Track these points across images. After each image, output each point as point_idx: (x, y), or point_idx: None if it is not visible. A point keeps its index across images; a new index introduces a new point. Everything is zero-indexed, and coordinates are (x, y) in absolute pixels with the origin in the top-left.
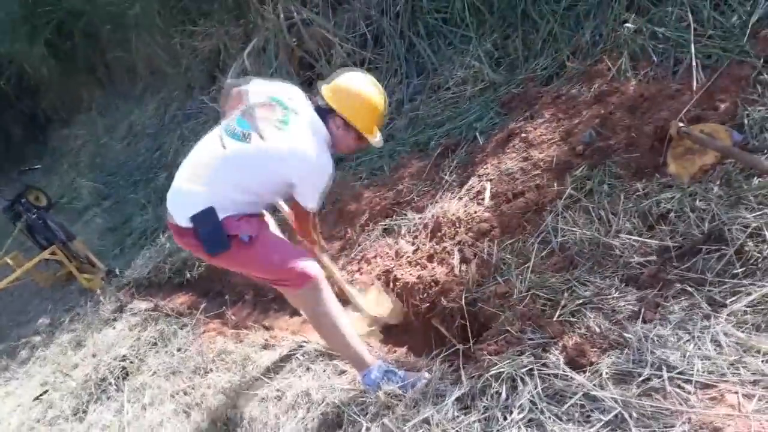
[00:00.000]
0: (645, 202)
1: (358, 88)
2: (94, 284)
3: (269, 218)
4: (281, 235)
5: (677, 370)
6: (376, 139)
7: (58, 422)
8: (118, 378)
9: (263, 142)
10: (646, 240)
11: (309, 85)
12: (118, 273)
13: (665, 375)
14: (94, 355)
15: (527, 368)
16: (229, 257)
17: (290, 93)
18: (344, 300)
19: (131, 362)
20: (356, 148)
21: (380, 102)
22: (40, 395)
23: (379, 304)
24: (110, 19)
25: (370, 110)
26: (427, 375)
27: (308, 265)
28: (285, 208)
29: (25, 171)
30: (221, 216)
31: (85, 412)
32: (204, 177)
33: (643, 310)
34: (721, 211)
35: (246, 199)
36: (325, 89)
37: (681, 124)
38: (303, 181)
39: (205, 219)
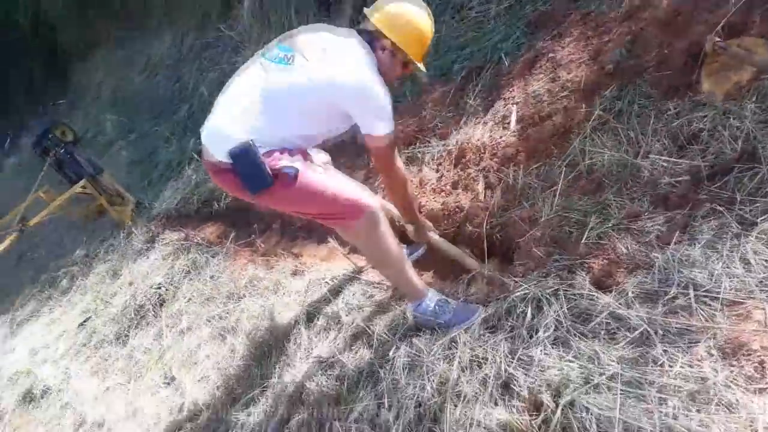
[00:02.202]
0: (676, 122)
1: (410, 13)
2: (125, 216)
3: (316, 153)
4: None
5: (704, 289)
6: (422, 66)
7: (103, 346)
8: (155, 305)
9: (309, 64)
10: (677, 160)
11: (327, 9)
12: (147, 205)
13: (692, 294)
14: (131, 284)
15: (553, 289)
16: (274, 195)
17: (335, 27)
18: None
19: (166, 290)
20: (400, 76)
21: (430, 28)
22: (84, 321)
23: None
24: None
25: (421, 36)
26: (479, 309)
27: (363, 195)
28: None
29: (49, 106)
30: (262, 151)
31: (126, 336)
32: (243, 109)
33: (671, 231)
34: (756, 129)
35: (291, 132)
36: (374, 12)
37: (717, 39)
38: (362, 106)
39: (244, 154)
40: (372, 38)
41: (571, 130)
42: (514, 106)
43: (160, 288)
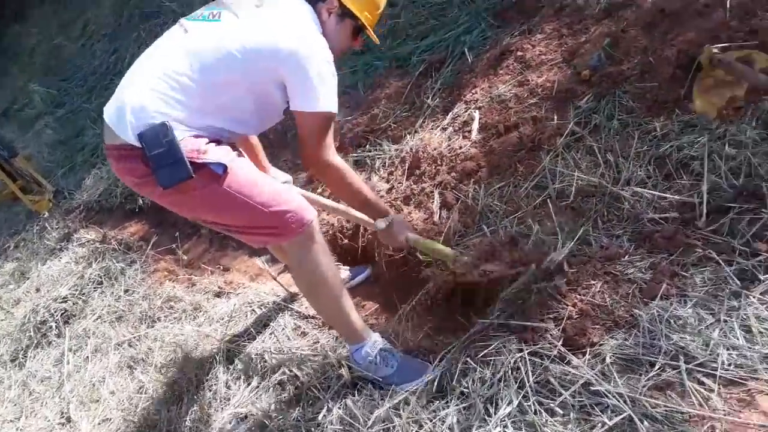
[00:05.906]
0: (663, 146)
1: None
2: (41, 206)
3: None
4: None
5: (696, 362)
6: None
7: None
8: (59, 322)
9: (239, 21)
10: (663, 194)
11: None
12: (66, 195)
13: (683, 366)
14: (37, 290)
15: (518, 350)
16: (191, 194)
17: None
18: None
19: (74, 304)
20: (345, 48)
21: None
22: None
23: None
24: None
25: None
26: (428, 369)
27: (303, 206)
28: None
29: None
30: (181, 135)
31: (24, 357)
32: (157, 79)
33: (657, 281)
34: (760, 162)
35: (216, 110)
36: None
37: (715, 50)
38: (301, 74)
39: (158, 135)
40: None
41: (540, 145)
42: (477, 111)
43: (66, 301)
